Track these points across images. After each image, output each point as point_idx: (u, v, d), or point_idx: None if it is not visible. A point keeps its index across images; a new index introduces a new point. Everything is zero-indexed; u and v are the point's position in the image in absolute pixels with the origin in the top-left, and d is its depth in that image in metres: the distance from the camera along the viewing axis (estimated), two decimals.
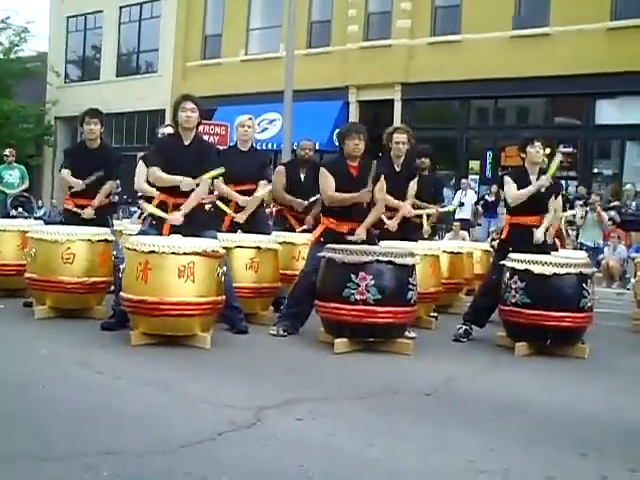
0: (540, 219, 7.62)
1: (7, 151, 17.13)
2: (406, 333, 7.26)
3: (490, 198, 20.11)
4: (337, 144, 7.70)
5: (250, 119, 8.74)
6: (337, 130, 7.95)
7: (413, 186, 8.77)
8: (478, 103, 22.92)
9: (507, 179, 7.72)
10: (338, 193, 7.34)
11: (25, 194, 17.58)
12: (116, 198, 14.32)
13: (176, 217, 7.07)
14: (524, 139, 7.76)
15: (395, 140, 8.55)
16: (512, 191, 7.60)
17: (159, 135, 8.81)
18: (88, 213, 8.26)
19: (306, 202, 9.15)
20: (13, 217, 15.23)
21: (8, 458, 3.83)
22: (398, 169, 8.60)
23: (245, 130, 8.63)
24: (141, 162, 8.13)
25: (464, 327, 7.82)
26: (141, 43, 30.85)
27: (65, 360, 6.07)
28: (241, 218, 8.46)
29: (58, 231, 7.89)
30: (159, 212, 7.19)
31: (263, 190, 8.61)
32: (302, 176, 9.38)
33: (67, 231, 7.87)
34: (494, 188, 20.07)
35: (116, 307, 7.20)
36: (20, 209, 17.04)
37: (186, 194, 7.14)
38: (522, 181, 7.63)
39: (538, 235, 7.52)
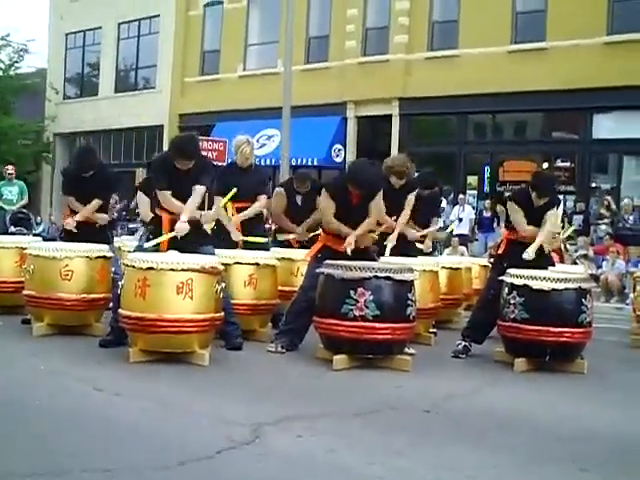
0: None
1: (10, 167, 17.25)
2: (405, 349, 7.26)
3: (486, 214, 20.14)
4: (344, 180, 7.57)
5: (247, 141, 8.70)
6: (350, 165, 7.85)
7: (411, 198, 8.72)
8: (476, 118, 22.94)
9: (513, 207, 7.71)
10: (335, 221, 7.36)
11: (24, 211, 17.67)
12: (115, 215, 14.39)
13: (181, 227, 7.03)
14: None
15: (392, 181, 8.50)
16: (522, 225, 7.61)
17: None
18: (69, 223, 8.36)
19: (299, 230, 9.19)
20: (12, 234, 15.30)
21: (6, 474, 3.83)
22: (396, 186, 8.56)
23: (246, 155, 8.63)
24: (140, 193, 8.32)
25: (463, 343, 7.81)
26: (139, 59, 30.85)
27: (63, 376, 6.07)
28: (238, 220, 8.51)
29: (56, 248, 7.88)
30: (161, 238, 7.13)
31: (260, 203, 8.66)
32: (300, 197, 9.37)
33: (65, 248, 7.86)
34: (487, 203, 20.14)
35: (114, 324, 7.18)
36: (19, 226, 17.11)
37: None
38: (525, 204, 7.62)
39: (529, 252, 7.46)
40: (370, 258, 7.41)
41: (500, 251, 7.89)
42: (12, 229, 16.55)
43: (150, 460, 4.15)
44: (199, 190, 7.21)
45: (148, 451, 4.32)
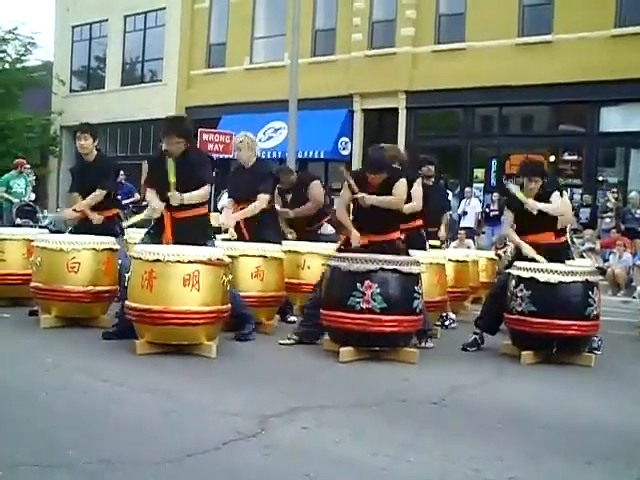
0: (549, 236, 7.63)
1: (24, 161, 18.17)
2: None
3: (493, 207, 20.15)
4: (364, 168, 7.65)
5: (241, 141, 8.59)
6: (370, 152, 7.87)
7: (418, 188, 8.67)
8: (482, 111, 22.88)
9: (506, 211, 7.83)
10: (345, 215, 7.43)
11: (30, 203, 18.05)
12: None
13: (228, 222, 7.06)
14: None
15: None
16: (507, 222, 7.88)
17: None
18: (98, 219, 8.28)
19: (291, 213, 9.21)
20: (18, 226, 15.57)
21: (13, 465, 3.83)
22: None
23: (238, 154, 8.61)
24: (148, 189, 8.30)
25: (474, 336, 7.80)
26: (146, 52, 30.85)
27: (70, 368, 6.07)
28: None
29: (63, 240, 7.90)
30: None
31: (260, 202, 8.54)
32: (288, 197, 9.42)
33: (72, 240, 7.88)
34: (495, 196, 20.13)
35: (121, 316, 7.19)
36: (25, 219, 17.45)
37: (185, 208, 7.17)
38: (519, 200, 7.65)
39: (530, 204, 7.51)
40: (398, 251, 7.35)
41: (514, 251, 7.89)
42: (18, 221, 16.84)
43: (156, 452, 4.15)
44: (205, 189, 7.31)
45: (154, 443, 4.32)
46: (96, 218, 8.32)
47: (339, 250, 7.47)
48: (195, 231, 7.22)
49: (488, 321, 7.84)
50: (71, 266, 7.75)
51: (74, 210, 8.41)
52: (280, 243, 8.55)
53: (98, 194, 8.38)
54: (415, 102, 22.83)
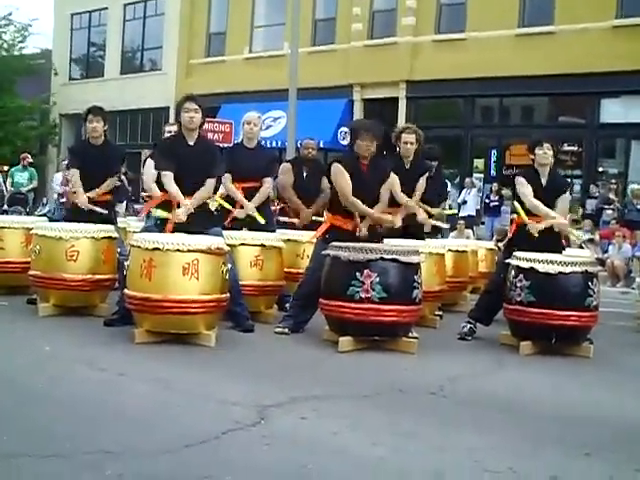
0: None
1: (27, 155, 19.97)
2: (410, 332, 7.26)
3: (493, 197, 20.14)
4: (348, 139, 7.65)
5: (258, 117, 8.72)
6: (349, 125, 7.89)
7: (422, 182, 8.68)
8: (483, 101, 22.86)
9: (521, 180, 7.62)
10: (356, 200, 7.24)
11: (22, 191, 18.92)
12: (123, 199, 14.74)
13: (180, 214, 7.04)
14: (532, 142, 7.75)
15: (403, 140, 8.52)
16: (530, 197, 7.50)
17: (165, 133, 8.77)
18: (82, 202, 8.18)
19: (305, 214, 9.25)
20: (6, 212, 16.33)
21: (10, 455, 3.82)
22: (407, 166, 8.57)
23: (251, 128, 8.60)
24: (149, 162, 8.10)
25: (469, 325, 7.81)
26: (145, 40, 30.81)
27: (68, 357, 6.06)
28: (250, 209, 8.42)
29: (62, 228, 7.87)
30: (164, 214, 7.18)
31: (266, 186, 8.60)
32: (305, 175, 9.41)
33: (71, 228, 7.85)
34: (495, 187, 20.13)
35: (121, 304, 7.18)
36: (15, 205, 18.32)
37: (191, 194, 7.13)
38: (533, 183, 7.60)
39: (538, 227, 7.44)
40: (377, 240, 7.36)
41: (510, 234, 7.87)
42: (6, 207, 17.60)
43: (155, 442, 4.14)
44: (210, 183, 7.36)
45: (153, 433, 4.31)
46: (96, 193, 8.27)
47: (323, 238, 7.43)
48: (202, 215, 7.21)
49: (484, 313, 7.83)
50: (70, 254, 7.73)
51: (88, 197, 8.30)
52: (275, 231, 8.57)
53: (112, 181, 8.45)
54: (415, 92, 22.80)
